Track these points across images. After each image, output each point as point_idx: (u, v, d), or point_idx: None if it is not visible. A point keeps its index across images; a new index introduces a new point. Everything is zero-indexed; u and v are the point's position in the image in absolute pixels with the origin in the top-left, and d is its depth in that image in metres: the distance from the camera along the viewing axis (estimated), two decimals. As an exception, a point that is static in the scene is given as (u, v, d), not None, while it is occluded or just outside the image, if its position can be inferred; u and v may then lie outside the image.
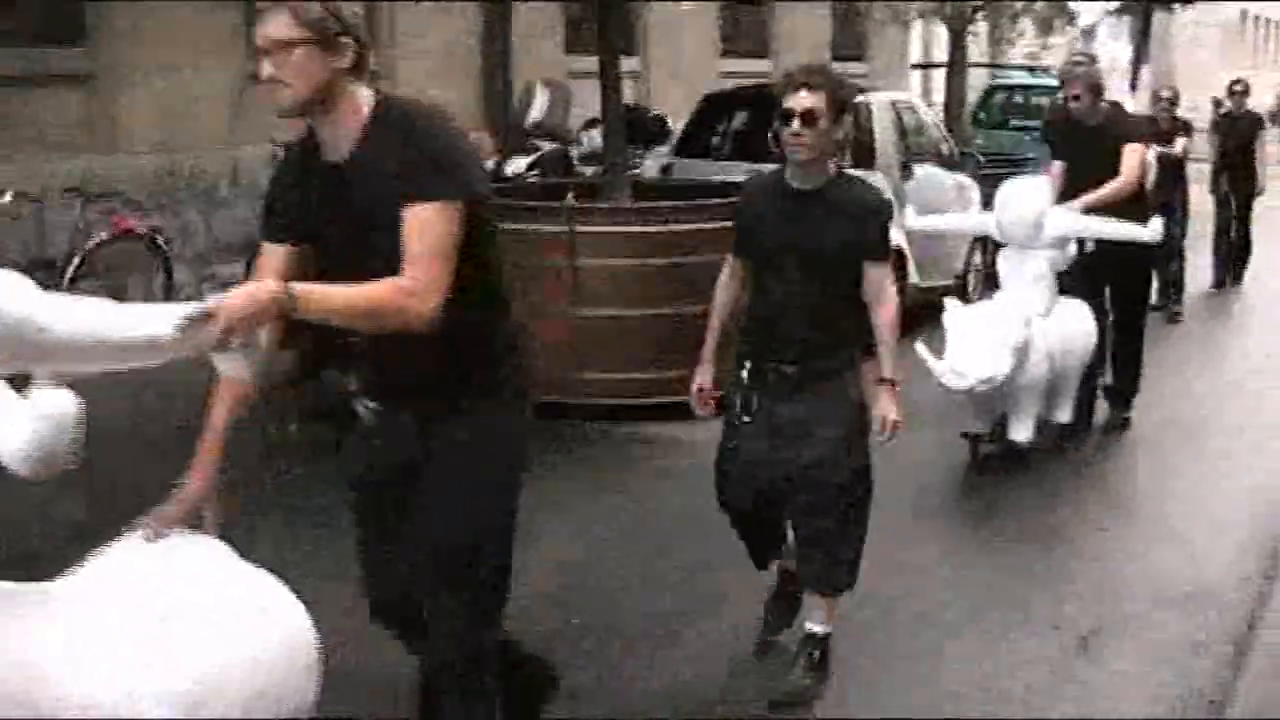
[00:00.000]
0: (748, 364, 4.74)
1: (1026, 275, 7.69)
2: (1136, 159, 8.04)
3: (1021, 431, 7.59)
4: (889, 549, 6.14)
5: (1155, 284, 10.52)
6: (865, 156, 10.79)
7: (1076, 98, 8.01)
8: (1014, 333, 7.14)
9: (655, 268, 8.18)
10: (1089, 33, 10.17)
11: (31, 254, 9.63)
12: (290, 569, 3.68)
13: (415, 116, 3.43)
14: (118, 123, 10.57)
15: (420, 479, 3.61)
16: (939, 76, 22.70)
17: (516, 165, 12.27)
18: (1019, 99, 21.25)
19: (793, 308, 4.65)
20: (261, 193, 11.00)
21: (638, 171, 12.19)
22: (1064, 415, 8.01)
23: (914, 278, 10.80)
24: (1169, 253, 12.04)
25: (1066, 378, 7.86)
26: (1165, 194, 11.65)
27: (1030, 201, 7.76)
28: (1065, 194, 7.95)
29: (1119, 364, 8.57)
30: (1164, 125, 12.25)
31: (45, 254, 9.74)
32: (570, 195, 8.57)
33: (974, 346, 7.13)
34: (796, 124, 4.54)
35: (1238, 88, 14.12)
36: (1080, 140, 8.15)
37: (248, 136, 11.25)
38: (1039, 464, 7.70)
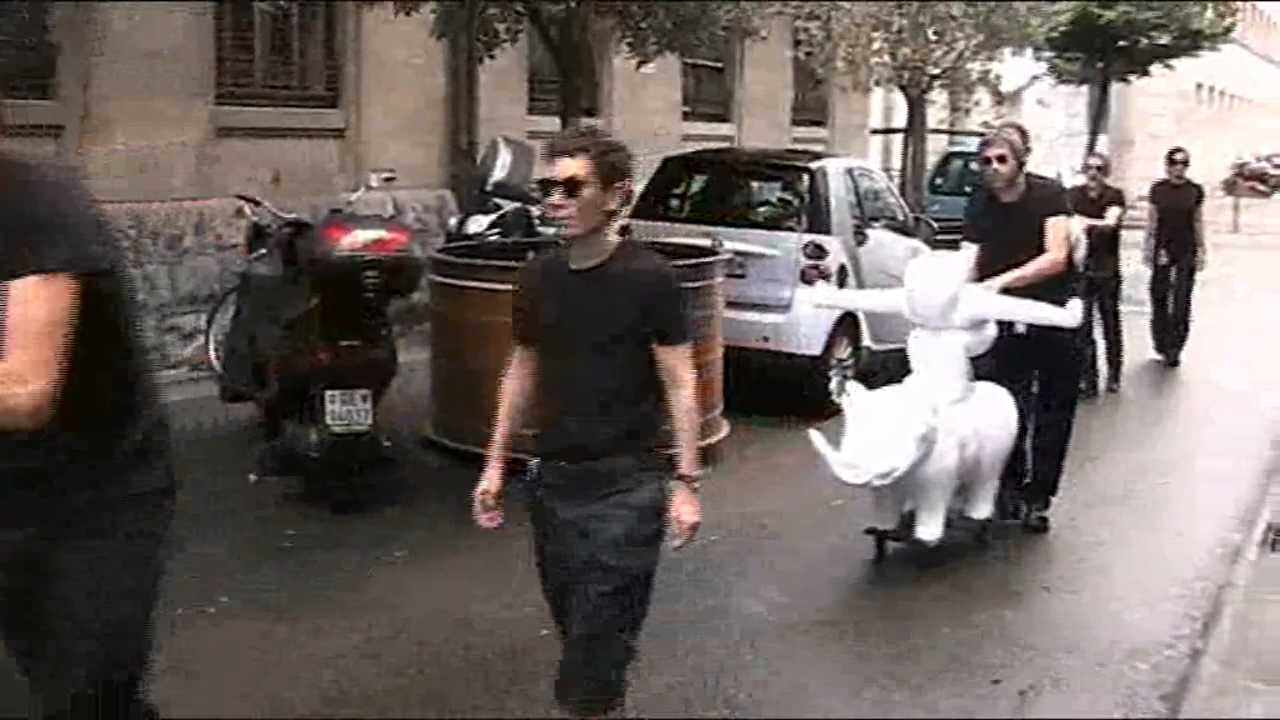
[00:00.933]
0: (536, 460, 4.23)
1: (938, 358, 7.20)
2: (1062, 234, 7.51)
3: (929, 529, 7.00)
4: (813, 613, 6.33)
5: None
6: (821, 221, 11.03)
7: (1002, 159, 7.42)
8: (918, 422, 6.64)
9: (613, 327, 8.32)
10: (1014, 99, 9.73)
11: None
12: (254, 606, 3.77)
13: (26, 177, 2.91)
14: (86, 174, 10.68)
15: (34, 606, 3.08)
16: (900, 142, 23.00)
17: (479, 224, 12.43)
18: (975, 166, 21.39)
19: (576, 400, 4.13)
20: (227, 245, 11.12)
21: (598, 232, 12.36)
22: (982, 510, 7.42)
23: (867, 340, 11.00)
24: (1109, 331, 12.06)
25: (983, 470, 7.29)
26: (1099, 267, 11.41)
27: (943, 279, 7.27)
28: (985, 275, 7.38)
29: (1040, 456, 7.89)
30: (1094, 195, 11.84)
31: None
32: (530, 255, 8.72)
33: (873, 437, 6.64)
34: (558, 195, 4.02)
35: (1178, 156, 13.73)
36: (999, 217, 7.56)
37: (215, 189, 11.40)
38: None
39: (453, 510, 7.72)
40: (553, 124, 9.93)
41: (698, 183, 12.28)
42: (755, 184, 12.25)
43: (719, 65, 19.81)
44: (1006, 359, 7.48)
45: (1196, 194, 13.79)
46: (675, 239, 10.16)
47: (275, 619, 5.96)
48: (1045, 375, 7.76)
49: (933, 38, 17.24)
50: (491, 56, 10.50)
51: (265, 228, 9.36)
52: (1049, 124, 34.96)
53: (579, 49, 9.44)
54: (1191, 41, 28.17)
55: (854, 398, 6.88)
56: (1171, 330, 13.81)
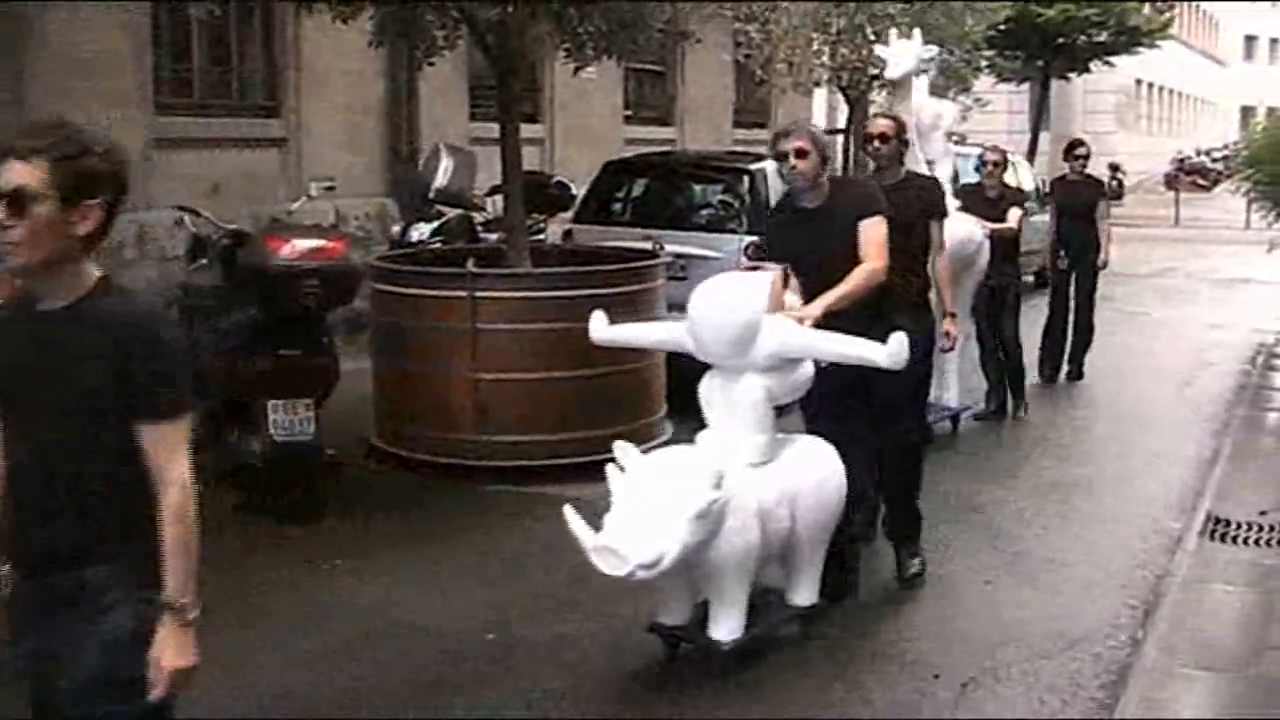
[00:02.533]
0: (8, 562, 3.26)
1: (734, 408, 5.67)
2: (879, 237, 6.11)
3: (725, 626, 5.54)
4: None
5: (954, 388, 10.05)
6: (762, 222, 11.05)
7: (802, 153, 6.02)
8: (697, 495, 5.16)
9: (555, 332, 8.35)
10: (899, 86, 9.04)
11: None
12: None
13: None
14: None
15: None
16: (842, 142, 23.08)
17: (421, 232, 12.41)
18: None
19: (38, 488, 3.15)
20: (168, 256, 11.11)
21: (541, 238, 12.37)
22: (804, 595, 5.95)
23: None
24: (1008, 347, 10.84)
25: (801, 546, 5.83)
26: (1000, 275, 10.56)
27: (734, 307, 5.67)
28: (805, 299, 5.95)
29: (894, 506, 6.86)
30: (993, 195, 10.72)
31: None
32: (471, 261, 8.74)
33: (639, 515, 5.16)
34: (2, 211, 3.02)
35: (1079, 151, 12.37)
36: (805, 227, 6.23)
37: (155, 200, 11.33)
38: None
39: (395, 517, 7.77)
40: (495, 130, 9.90)
41: (638, 186, 12.33)
42: (696, 186, 12.31)
43: (660, 69, 19.86)
44: (831, 400, 6.19)
45: (1099, 191, 12.75)
46: (616, 243, 10.21)
47: (217, 629, 5.91)
48: (877, 415, 6.42)
49: (871, 38, 17.28)
50: (430, 63, 10.47)
51: (205, 238, 9.32)
52: (989, 123, 35.13)
53: (515, 55, 9.41)
54: (1130, 38, 28.41)
55: (625, 461, 5.35)
56: (1074, 343, 12.47)
